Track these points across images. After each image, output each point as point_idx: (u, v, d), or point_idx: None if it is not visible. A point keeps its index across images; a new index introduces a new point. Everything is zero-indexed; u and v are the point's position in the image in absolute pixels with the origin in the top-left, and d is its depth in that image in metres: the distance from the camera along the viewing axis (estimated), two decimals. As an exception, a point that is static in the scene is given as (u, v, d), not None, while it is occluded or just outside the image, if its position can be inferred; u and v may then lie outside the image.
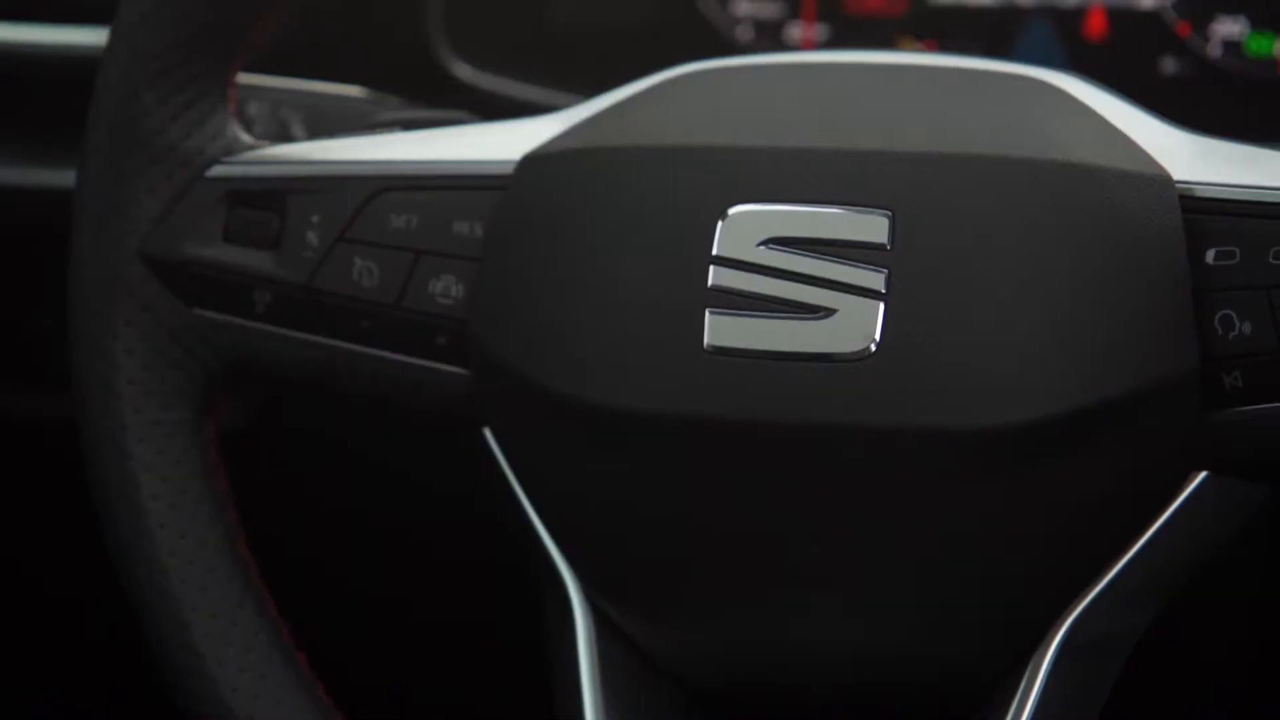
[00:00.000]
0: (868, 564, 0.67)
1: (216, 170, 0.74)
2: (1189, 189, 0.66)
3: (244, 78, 0.78)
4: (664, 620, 0.72)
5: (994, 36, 1.10)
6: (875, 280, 0.65)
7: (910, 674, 0.71)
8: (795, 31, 1.13)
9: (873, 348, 0.65)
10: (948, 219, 0.65)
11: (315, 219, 0.73)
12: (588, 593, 0.72)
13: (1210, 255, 0.66)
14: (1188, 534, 0.69)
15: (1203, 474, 0.68)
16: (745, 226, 0.66)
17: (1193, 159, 0.68)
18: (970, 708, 0.71)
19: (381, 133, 0.78)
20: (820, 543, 0.67)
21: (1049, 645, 0.68)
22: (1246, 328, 0.65)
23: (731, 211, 0.67)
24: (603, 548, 0.71)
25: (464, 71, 1.05)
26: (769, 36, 1.14)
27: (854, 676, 0.72)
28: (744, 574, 0.68)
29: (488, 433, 0.73)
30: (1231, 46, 1.08)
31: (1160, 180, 0.66)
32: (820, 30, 1.13)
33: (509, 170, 0.72)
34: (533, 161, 0.71)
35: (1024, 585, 0.68)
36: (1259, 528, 0.73)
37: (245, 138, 0.75)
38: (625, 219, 0.68)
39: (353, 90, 0.97)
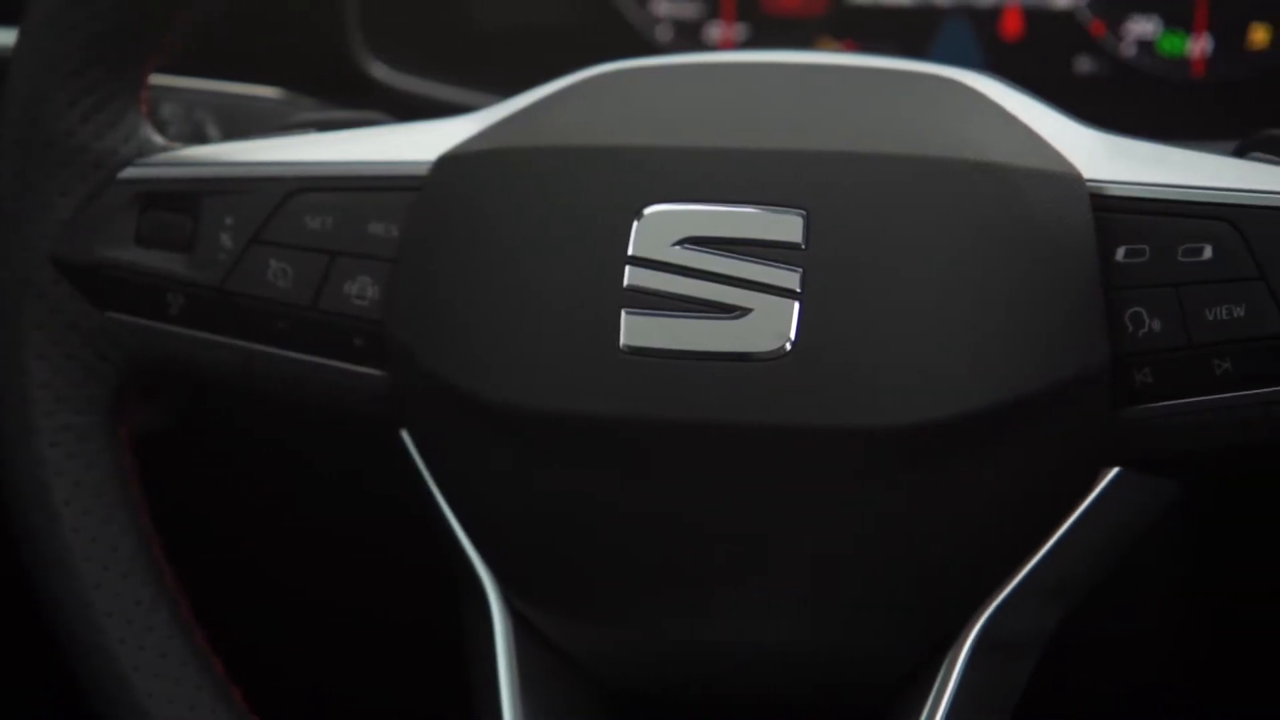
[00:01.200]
0: (783, 562, 0.67)
1: (129, 172, 0.73)
2: (1099, 188, 0.67)
3: (157, 79, 0.77)
4: (581, 621, 0.72)
5: (911, 36, 1.11)
6: (790, 279, 0.65)
7: (825, 671, 0.71)
8: (715, 31, 1.14)
9: (788, 347, 0.65)
10: (862, 218, 0.66)
11: (229, 221, 0.72)
12: (505, 594, 0.72)
13: (1120, 253, 0.66)
14: (1101, 530, 0.69)
15: (1114, 470, 0.68)
16: (660, 226, 0.67)
17: (1103, 158, 0.68)
18: (886, 704, 0.72)
19: (296, 134, 0.77)
20: (735, 542, 0.67)
21: (963, 642, 0.69)
22: (1156, 325, 0.66)
23: (647, 211, 0.67)
24: (519, 549, 0.71)
25: (381, 72, 1.05)
26: (688, 36, 1.14)
27: (770, 674, 0.72)
28: (660, 574, 0.69)
29: (405, 434, 0.73)
30: (1145, 46, 1.09)
31: (1071, 179, 0.67)
32: (740, 30, 1.14)
33: (424, 171, 0.71)
34: (448, 162, 0.71)
35: (939, 582, 0.68)
36: (1171, 523, 0.74)
37: (158, 139, 0.75)
38: (540, 219, 0.68)
39: (268, 91, 0.96)
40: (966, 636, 0.69)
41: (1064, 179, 0.67)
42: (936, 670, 0.69)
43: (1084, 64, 1.10)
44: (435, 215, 0.70)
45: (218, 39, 0.97)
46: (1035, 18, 1.10)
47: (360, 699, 1.16)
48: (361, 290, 0.72)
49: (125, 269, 0.73)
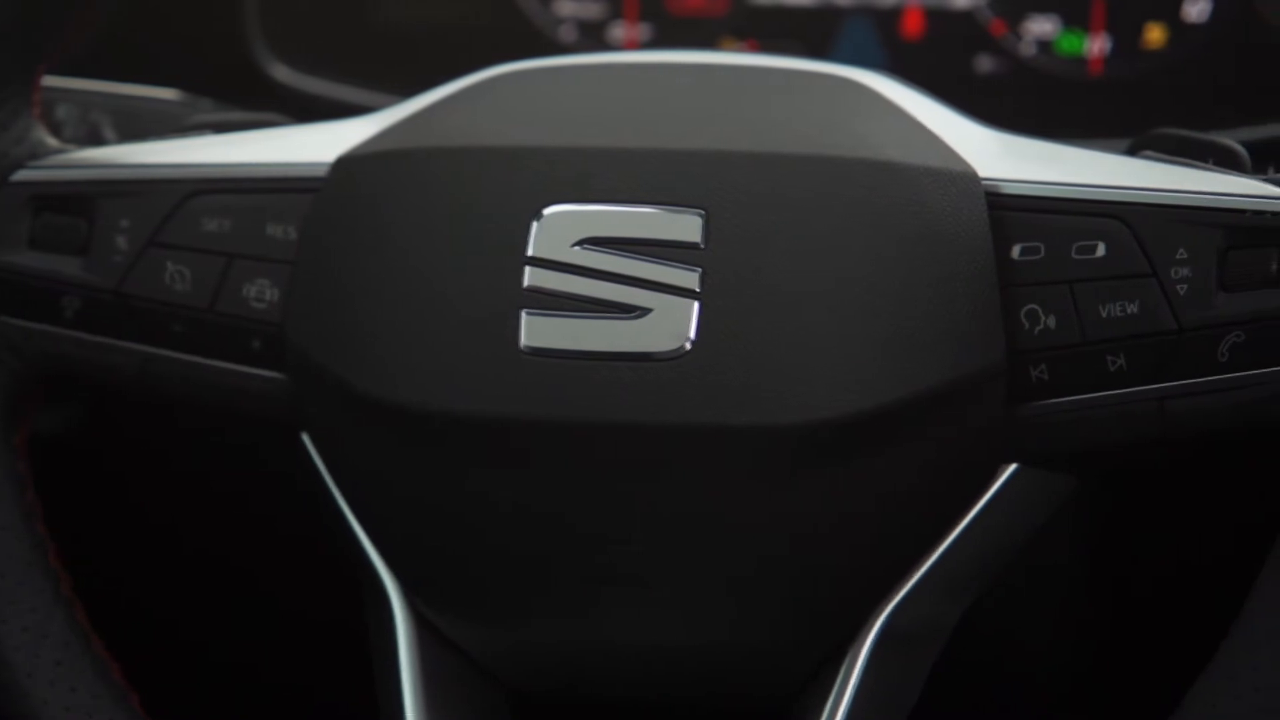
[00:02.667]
0: (683, 561, 0.67)
1: (21, 175, 0.72)
2: (995, 186, 0.68)
3: (52, 80, 0.77)
4: (483, 622, 0.71)
5: (813, 36, 1.12)
6: (689, 279, 0.66)
7: (728, 670, 0.72)
8: (618, 32, 1.14)
9: (688, 346, 0.65)
10: (760, 217, 0.66)
11: (125, 223, 0.72)
12: (407, 595, 0.72)
13: (1016, 251, 0.67)
14: (1000, 525, 0.70)
15: (1012, 466, 0.69)
16: (559, 227, 0.67)
17: (999, 157, 0.69)
18: (789, 700, 0.72)
19: (194, 135, 0.77)
20: (636, 541, 0.67)
21: (865, 637, 0.69)
22: (1051, 322, 0.66)
23: (546, 212, 0.67)
24: (420, 550, 0.71)
25: (282, 73, 1.04)
26: (592, 37, 1.14)
27: (672, 674, 0.72)
28: (561, 574, 0.69)
29: (305, 437, 0.72)
30: (1044, 45, 1.10)
31: (967, 177, 0.67)
32: (643, 30, 1.14)
33: (323, 172, 0.71)
34: (346, 163, 0.71)
35: (840, 579, 0.68)
36: (1069, 517, 0.74)
37: (52, 141, 0.74)
38: (439, 220, 0.68)
39: (166, 93, 0.96)
40: (867, 633, 0.69)
41: (960, 178, 0.67)
42: (838, 667, 0.69)
43: (984, 63, 1.11)
44: (333, 217, 0.70)
45: (115, 39, 0.96)
46: (936, 17, 1.11)
47: (261, 702, 1.16)
48: (260, 293, 0.71)
49: (18, 272, 0.72)
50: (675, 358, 0.65)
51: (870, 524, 0.67)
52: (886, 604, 0.69)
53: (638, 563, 0.68)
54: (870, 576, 0.69)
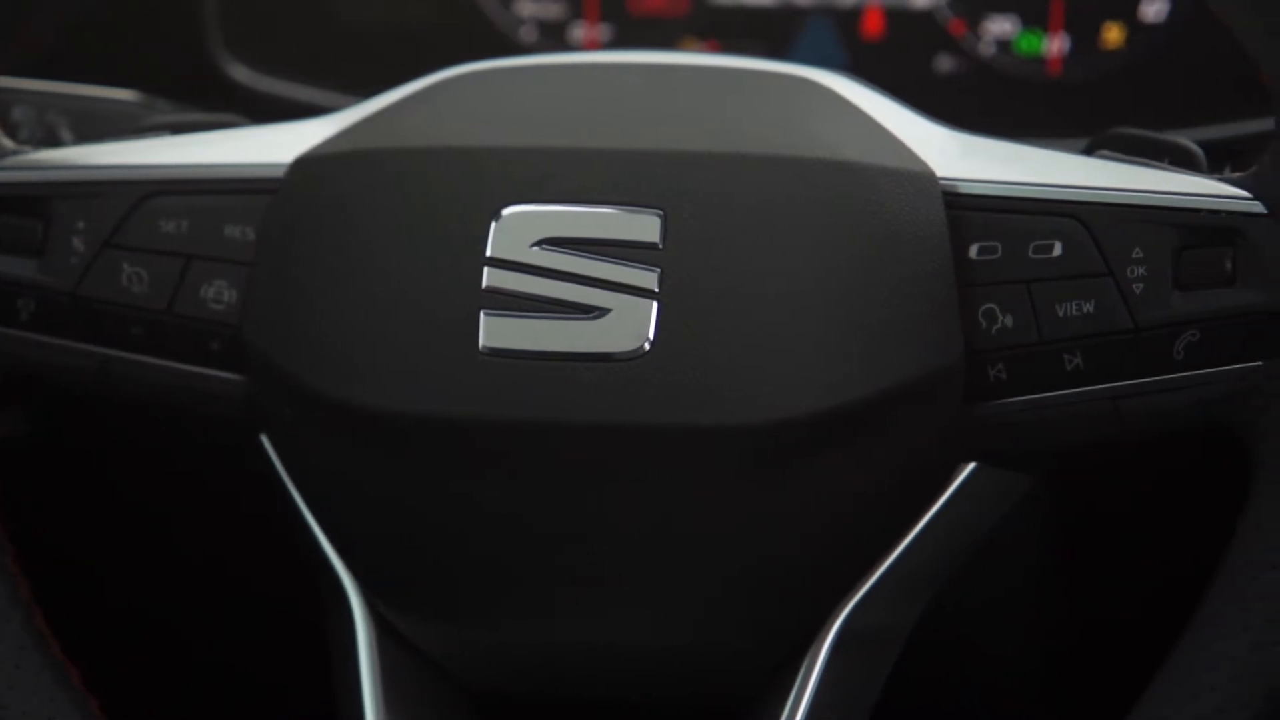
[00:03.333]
0: (644, 561, 0.68)
1: None
2: (952, 185, 0.68)
3: (8, 81, 0.76)
4: (444, 623, 0.71)
5: (774, 36, 1.12)
6: (648, 279, 0.66)
7: (689, 669, 0.72)
8: (579, 32, 1.14)
9: (646, 346, 0.65)
10: (718, 217, 0.66)
11: (81, 225, 0.71)
12: (367, 597, 0.72)
13: (973, 250, 0.67)
14: (958, 524, 0.70)
15: (971, 465, 0.69)
16: (518, 227, 0.67)
17: (956, 156, 0.69)
18: (749, 700, 0.72)
19: (151, 136, 0.77)
20: (595, 541, 0.67)
21: (825, 636, 0.69)
22: (1009, 321, 0.67)
23: (505, 212, 0.67)
24: (381, 551, 0.70)
25: (241, 74, 1.04)
26: (553, 37, 1.14)
27: (633, 673, 0.72)
28: (521, 574, 0.69)
29: (264, 438, 0.72)
30: (1003, 45, 1.10)
31: (924, 177, 0.68)
32: (604, 30, 1.14)
33: (281, 173, 0.71)
34: (304, 164, 0.71)
35: (800, 578, 0.69)
36: (1029, 516, 0.75)
37: (7, 143, 0.74)
38: (397, 221, 0.68)
39: (124, 94, 0.95)
40: (827, 632, 0.69)
41: (918, 177, 0.68)
42: (798, 667, 0.70)
43: (944, 63, 1.11)
44: (292, 218, 0.70)
45: (73, 40, 0.95)
46: (896, 17, 1.11)
47: (222, 705, 1.15)
48: (218, 294, 0.71)
49: None
50: (634, 358, 0.65)
51: (830, 523, 0.68)
52: (846, 603, 0.69)
53: (597, 563, 0.68)
54: (830, 576, 0.69)
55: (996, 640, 1.08)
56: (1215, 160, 0.73)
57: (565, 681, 0.74)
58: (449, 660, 0.73)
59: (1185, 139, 0.73)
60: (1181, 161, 0.71)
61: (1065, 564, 1.06)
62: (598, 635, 0.70)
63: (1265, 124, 0.66)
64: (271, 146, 0.72)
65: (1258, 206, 0.65)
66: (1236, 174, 0.67)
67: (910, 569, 0.70)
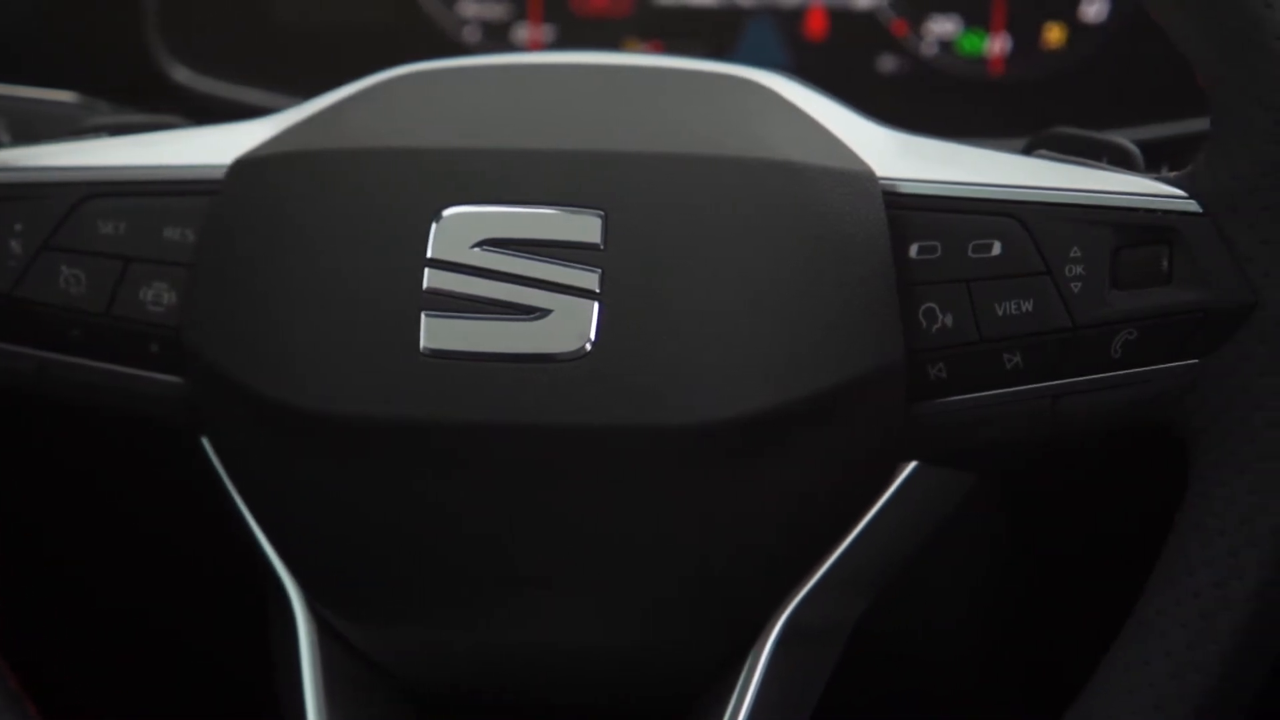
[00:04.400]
0: (587, 562, 0.68)
1: None
2: (892, 185, 0.68)
3: (-55, 83, 0.76)
4: (387, 625, 0.71)
5: (717, 36, 1.12)
6: (589, 280, 0.66)
7: (633, 668, 0.72)
8: (522, 33, 1.14)
9: (588, 347, 0.65)
10: (659, 218, 0.66)
11: (18, 227, 0.71)
12: (310, 599, 0.72)
13: (913, 250, 0.67)
14: (900, 523, 0.71)
15: (912, 464, 0.70)
16: (459, 228, 0.66)
17: (896, 156, 0.69)
18: (692, 699, 0.72)
19: (89, 138, 0.76)
20: (538, 542, 0.67)
21: (768, 635, 0.70)
22: (949, 320, 0.67)
23: (445, 213, 0.67)
24: (323, 554, 0.70)
25: (182, 74, 1.03)
26: (496, 38, 1.14)
27: (577, 673, 0.72)
28: (464, 576, 0.69)
29: (205, 441, 0.72)
30: (945, 45, 1.11)
31: (864, 177, 0.68)
32: (547, 31, 1.14)
33: (221, 175, 0.71)
34: (245, 165, 0.70)
35: (742, 577, 0.69)
36: (970, 515, 0.75)
37: (-55, 145, 0.73)
38: (337, 222, 0.67)
39: (62, 95, 0.94)
40: (770, 631, 0.70)
41: (857, 177, 0.68)
42: (741, 665, 0.70)
43: (887, 63, 1.11)
44: (232, 219, 0.70)
45: (11, 40, 0.95)
46: (838, 18, 1.11)
47: (164, 708, 1.15)
48: (157, 296, 0.71)
49: None
50: (575, 359, 0.65)
51: (772, 522, 0.68)
52: (789, 602, 0.70)
53: (540, 563, 0.68)
54: (773, 575, 0.69)
55: (940, 636, 1.08)
56: (1153, 160, 0.74)
57: (508, 683, 0.74)
58: (393, 663, 0.73)
59: (1123, 139, 0.73)
60: (1119, 161, 0.71)
61: (1008, 559, 1.07)
62: (541, 636, 0.70)
63: (1202, 124, 0.66)
64: (211, 148, 0.72)
65: (1193, 206, 0.65)
66: (1173, 174, 0.67)
67: (853, 567, 0.70)
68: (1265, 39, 0.62)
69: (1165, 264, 0.65)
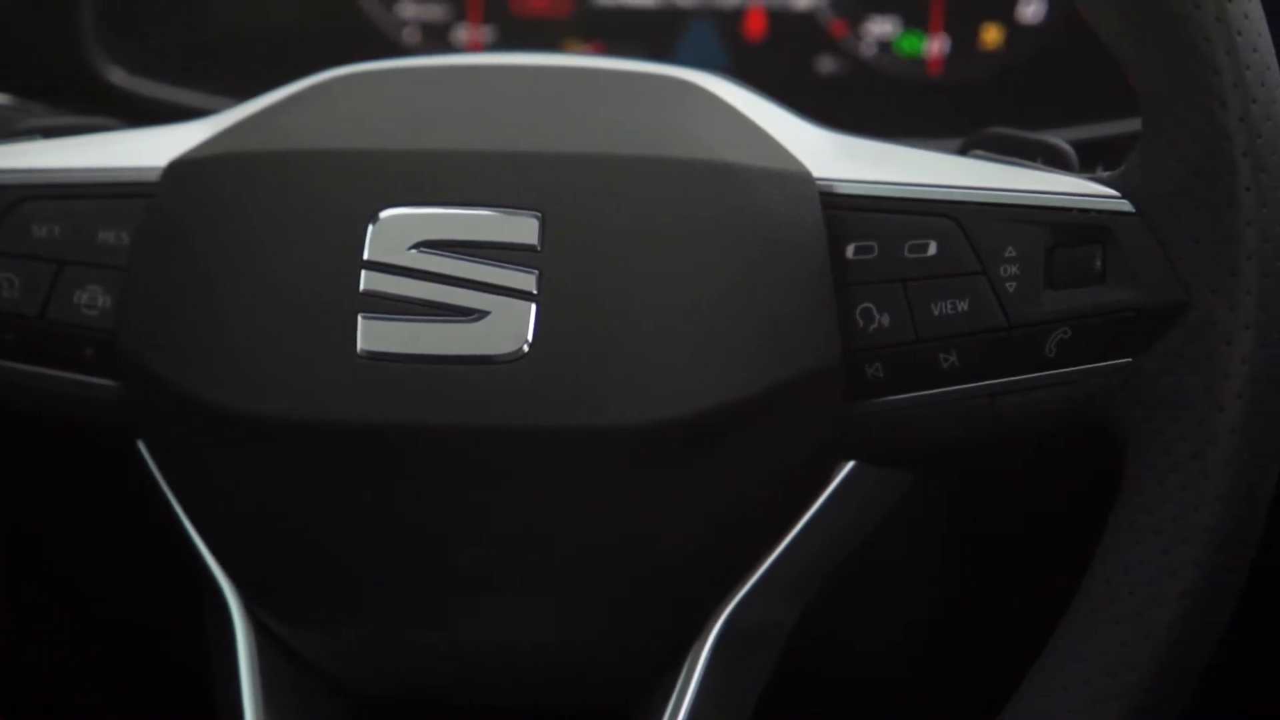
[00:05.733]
0: (526, 563, 0.67)
1: None
2: (829, 186, 0.68)
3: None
4: (326, 629, 0.71)
5: (657, 37, 1.12)
6: (527, 281, 0.66)
7: (573, 671, 0.72)
8: (462, 34, 1.13)
9: (525, 349, 0.65)
10: (596, 219, 0.66)
11: None
12: (248, 603, 0.71)
13: (850, 250, 0.68)
14: (838, 522, 0.71)
15: (850, 464, 0.70)
16: (396, 230, 0.66)
17: (833, 157, 0.70)
18: (631, 701, 0.72)
19: (23, 140, 0.76)
20: (477, 544, 0.67)
21: (707, 636, 0.70)
22: (885, 320, 0.67)
23: (382, 215, 0.66)
24: (261, 557, 0.70)
25: (118, 76, 1.02)
26: (436, 39, 1.13)
27: (518, 676, 0.72)
28: (403, 579, 0.68)
29: (141, 445, 0.71)
30: (884, 46, 1.11)
31: (801, 178, 0.68)
32: (487, 32, 1.14)
33: (156, 177, 0.70)
34: (180, 168, 0.70)
35: (681, 578, 0.69)
36: (908, 514, 0.75)
37: (-125, 148, 0.72)
38: (274, 225, 0.67)
39: (-3, 98, 0.94)
40: (709, 632, 0.70)
41: (794, 178, 0.68)
42: (679, 667, 0.70)
43: (826, 64, 1.12)
44: (167, 222, 0.69)
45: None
46: (778, 18, 1.11)
47: (107, 709, 1.14)
48: (92, 299, 0.70)
49: None
50: (513, 360, 0.65)
51: (711, 523, 0.68)
52: (727, 603, 0.70)
53: (480, 566, 0.68)
54: (711, 575, 0.69)
55: (878, 637, 1.09)
56: (1089, 160, 0.74)
57: (448, 684, 0.74)
58: (332, 666, 0.73)
59: (1058, 139, 0.73)
60: (1054, 161, 0.72)
61: (946, 560, 1.07)
62: (482, 638, 0.70)
63: (1136, 124, 0.67)
64: (147, 150, 0.72)
65: (1125, 206, 0.66)
66: (1106, 174, 0.68)
67: (792, 567, 0.70)
68: (1193, 39, 0.63)
69: (1098, 263, 0.66)
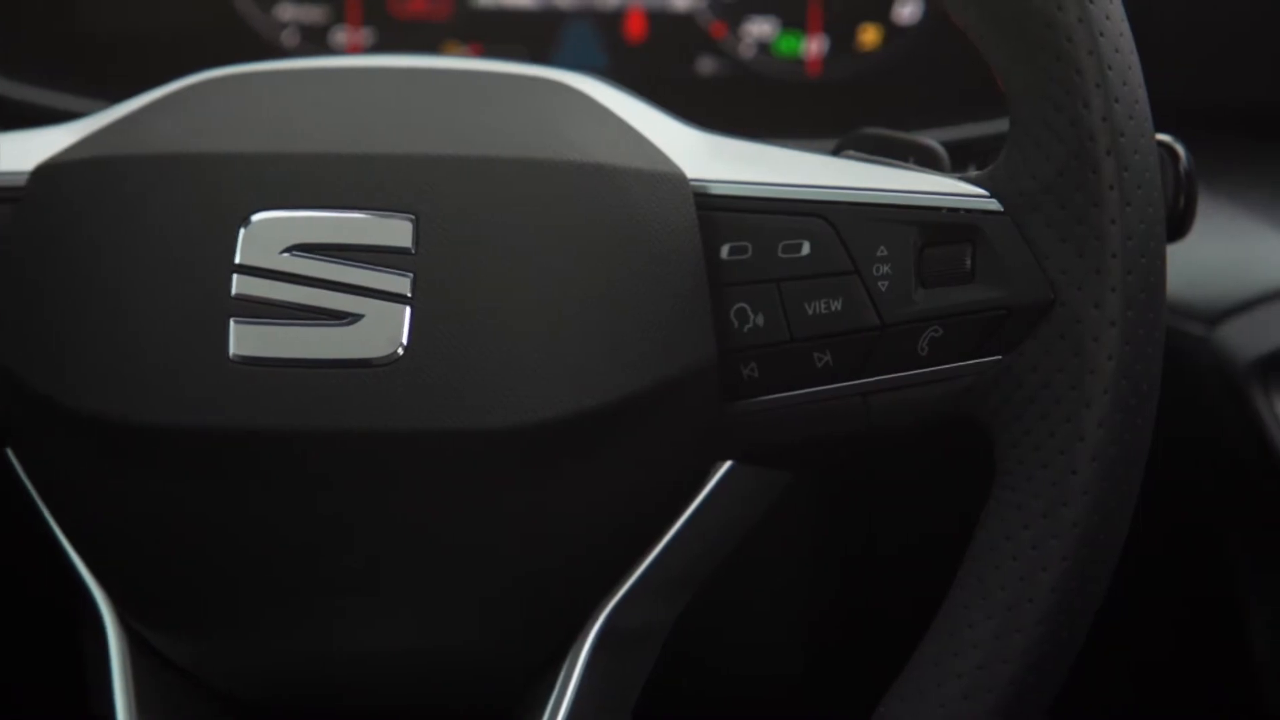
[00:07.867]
0: (404, 567, 0.67)
1: None
2: (703, 187, 0.68)
3: None
4: (202, 638, 0.70)
5: (536, 39, 1.12)
6: (401, 284, 0.65)
7: (452, 674, 0.72)
8: (341, 36, 1.13)
9: (400, 352, 0.65)
10: (469, 221, 0.66)
11: None
12: (121, 614, 0.71)
13: (724, 251, 0.68)
14: (717, 522, 0.71)
15: (727, 463, 0.70)
16: (268, 233, 0.66)
17: (707, 158, 0.70)
18: (510, 704, 0.72)
19: (-114, 146, 0.74)
20: (354, 549, 0.67)
21: (585, 639, 0.70)
22: (760, 320, 0.68)
23: (254, 219, 0.66)
24: (133, 565, 0.69)
25: (-8, 81, 1.01)
26: (315, 41, 1.13)
27: (397, 680, 0.72)
28: (280, 585, 0.68)
29: (9, 452, 0.70)
30: (763, 47, 1.12)
31: (675, 179, 0.68)
32: (366, 35, 1.13)
33: (22, 182, 0.69)
34: (46, 172, 0.69)
35: (559, 581, 0.69)
36: (788, 512, 0.76)
37: None
38: (143, 229, 0.66)
39: None
40: (588, 633, 0.70)
41: (668, 179, 0.68)
42: (558, 669, 0.70)
43: (706, 65, 1.12)
44: (34, 227, 0.68)
45: None
46: (657, 20, 1.12)
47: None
48: None
49: None
50: (388, 364, 0.65)
51: (587, 524, 0.68)
52: (605, 604, 0.70)
53: (356, 571, 0.67)
54: (589, 577, 0.69)
55: (757, 633, 1.09)
56: (963, 160, 0.75)
57: (323, 692, 0.73)
58: (210, 675, 0.72)
59: (930, 139, 0.74)
60: (926, 161, 0.73)
61: (825, 556, 1.08)
62: (360, 644, 0.69)
63: (1008, 125, 0.68)
64: (14, 154, 0.71)
65: (994, 205, 0.66)
66: (976, 173, 0.68)
67: (670, 568, 0.70)
68: (1057, 41, 0.64)
69: (968, 262, 0.66)
